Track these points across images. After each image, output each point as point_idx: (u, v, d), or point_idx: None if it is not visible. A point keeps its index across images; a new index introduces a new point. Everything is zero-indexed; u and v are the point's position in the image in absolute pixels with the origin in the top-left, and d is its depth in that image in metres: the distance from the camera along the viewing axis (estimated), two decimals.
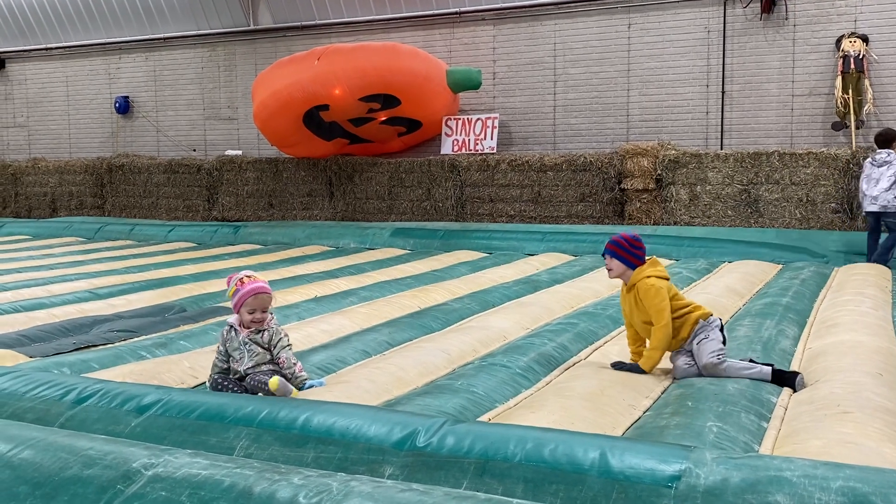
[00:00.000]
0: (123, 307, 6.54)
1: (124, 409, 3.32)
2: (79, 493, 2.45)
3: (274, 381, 3.85)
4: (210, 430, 3.12)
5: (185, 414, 3.22)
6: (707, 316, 4.44)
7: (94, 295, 7.00)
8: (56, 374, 3.92)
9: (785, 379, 4.17)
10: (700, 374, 4.29)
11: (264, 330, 4.04)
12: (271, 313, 4.13)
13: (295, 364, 4.10)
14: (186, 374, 4.52)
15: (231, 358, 4.06)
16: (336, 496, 2.25)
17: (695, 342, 4.35)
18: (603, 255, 4.67)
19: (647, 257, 4.56)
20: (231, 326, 4.08)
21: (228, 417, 3.16)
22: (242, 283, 4.02)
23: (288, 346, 4.09)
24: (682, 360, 4.39)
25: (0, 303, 6.55)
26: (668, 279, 4.48)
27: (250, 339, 4.02)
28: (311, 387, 4.10)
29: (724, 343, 4.34)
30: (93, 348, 5.16)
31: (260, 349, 4.02)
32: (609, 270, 4.60)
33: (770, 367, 4.21)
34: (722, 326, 4.41)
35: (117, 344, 5.25)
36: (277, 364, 4.06)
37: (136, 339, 5.45)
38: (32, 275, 8.46)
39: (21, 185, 16.48)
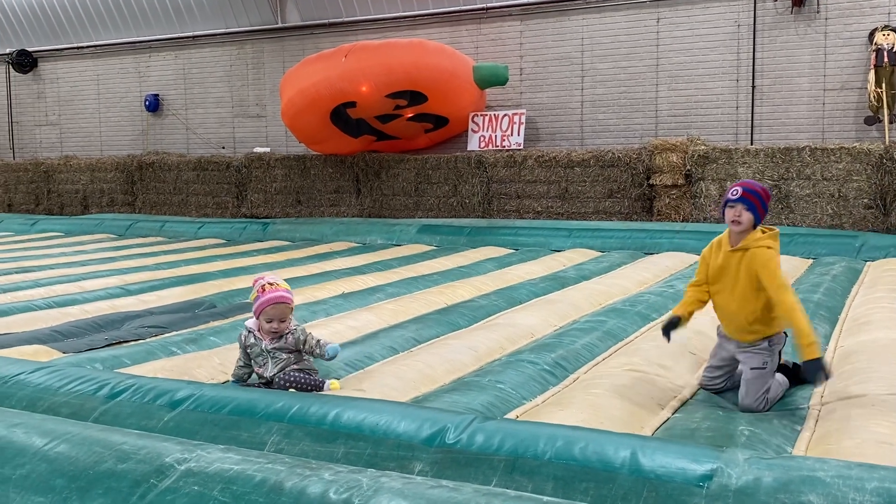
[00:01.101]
0: (154, 303, 6.61)
1: (157, 404, 3.36)
2: (113, 486, 2.48)
3: (335, 384, 3.99)
4: (241, 425, 3.15)
5: (216, 409, 3.25)
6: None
7: (126, 291, 7.09)
8: (89, 369, 3.97)
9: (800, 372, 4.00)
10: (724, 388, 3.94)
11: (288, 333, 4.03)
12: (291, 316, 4.12)
13: (317, 341, 4.07)
14: (217, 370, 4.56)
15: (254, 363, 4.08)
16: (366, 492, 2.26)
17: (751, 350, 3.81)
18: (729, 203, 3.77)
19: (764, 229, 3.81)
20: (250, 331, 4.06)
21: (259, 413, 3.18)
22: (264, 290, 3.98)
23: (310, 334, 4.10)
24: (715, 366, 4.03)
25: (34, 299, 6.66)
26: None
27: (275, 348, 4.01)
28: (334, 351, 4.08)
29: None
30: (124, 344, 5.22)
31: (285, 355, 4.03)
32: (736, 223, 3.75)
33: (785, 377, 3.96)
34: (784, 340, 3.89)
35: (148, 340, 5.31)
36: (310, 354, 4.08)
37: (166, 335, 5.51)
38: (65, 271, 8.58)
39: (53, 182, 16.73)
